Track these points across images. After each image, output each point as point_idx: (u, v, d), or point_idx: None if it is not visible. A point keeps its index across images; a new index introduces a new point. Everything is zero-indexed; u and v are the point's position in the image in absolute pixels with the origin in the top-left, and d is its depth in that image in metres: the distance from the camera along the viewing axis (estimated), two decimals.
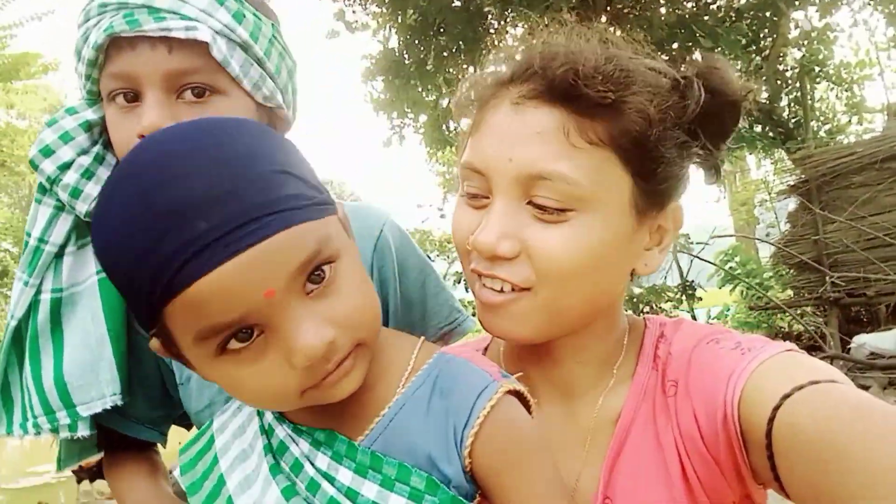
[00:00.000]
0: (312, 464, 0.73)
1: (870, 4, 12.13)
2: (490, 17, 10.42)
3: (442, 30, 10.14)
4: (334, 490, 0.71)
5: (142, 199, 0.61)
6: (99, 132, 1.07)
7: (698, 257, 8.55)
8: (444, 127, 10.89)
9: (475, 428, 0.71)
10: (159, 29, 0.94)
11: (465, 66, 10.34)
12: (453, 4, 10.01)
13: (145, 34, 0.94)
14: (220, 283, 0.60)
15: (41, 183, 1.07)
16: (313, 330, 0.65)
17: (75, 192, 1.04)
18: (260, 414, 0.80)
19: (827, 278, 7.76)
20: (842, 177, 8.03)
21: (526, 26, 0.92)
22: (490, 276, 0.85)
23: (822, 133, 12.60)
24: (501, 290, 0.85)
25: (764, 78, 11.12)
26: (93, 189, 1.05)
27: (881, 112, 13.40)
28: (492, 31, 10.29)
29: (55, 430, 1.10)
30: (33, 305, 1.09)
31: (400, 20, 10.31)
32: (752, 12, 10.37)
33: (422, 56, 10.34)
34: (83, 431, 1.10)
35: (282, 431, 0.77)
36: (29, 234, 1.08)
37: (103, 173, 1.06)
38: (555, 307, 0.85)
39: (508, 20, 10.38)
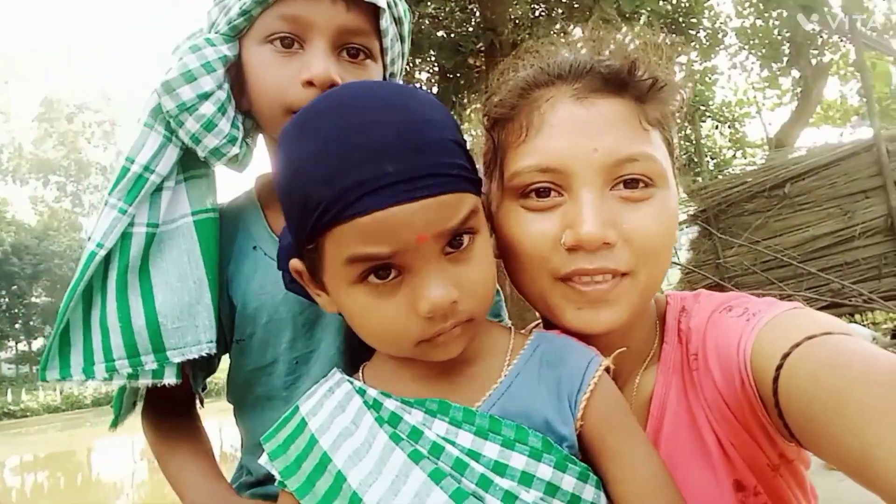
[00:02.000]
0: (431, 429, 0.77)
1: (744, 48, 13.27)
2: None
3: None
4: (458, 451, 0.75)
5: (342, 133, 0.72)
6: (226, 71, 1.02)
7: None
8: None
9: (587, 393, 0.78)
10: None
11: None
12: None
13: None
14: (389, 219, 0.69)
15: (157, 107, 1.00)
16: (443, 287, 0.73)
17: (209, 125, 0.99)
18: (361, 391, 0.83)
19: None
20: (735, 205, 8.62)
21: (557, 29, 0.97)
22: (597, 270, 0.85)
23: (710, 167, 13.51)
24: (604, 282, 0.86)
25: None
26: (224, 126, 1.01)
27: (762, 147, 14.57)
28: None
29: (134, 376, 1.02)
30: (124, 238, 1.01)
31: None
32: None
33: None
34: (170, 378, 1.02)
35: (391, 404, 0.80)
36: (131, 160, 1.00)
37: (231, 112, 1.03)
38: (650, 285, 0.89)
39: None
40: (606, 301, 0.86)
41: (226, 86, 1.03)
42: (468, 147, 0.81)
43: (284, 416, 0.85)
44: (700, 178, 10.61)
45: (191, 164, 1.07)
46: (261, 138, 1.15)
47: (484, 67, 9.23)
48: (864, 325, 7.47)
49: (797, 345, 0.74)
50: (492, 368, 0.83)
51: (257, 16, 0.99)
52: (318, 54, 0.97)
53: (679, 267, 9.49)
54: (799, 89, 13.88)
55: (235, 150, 1.04)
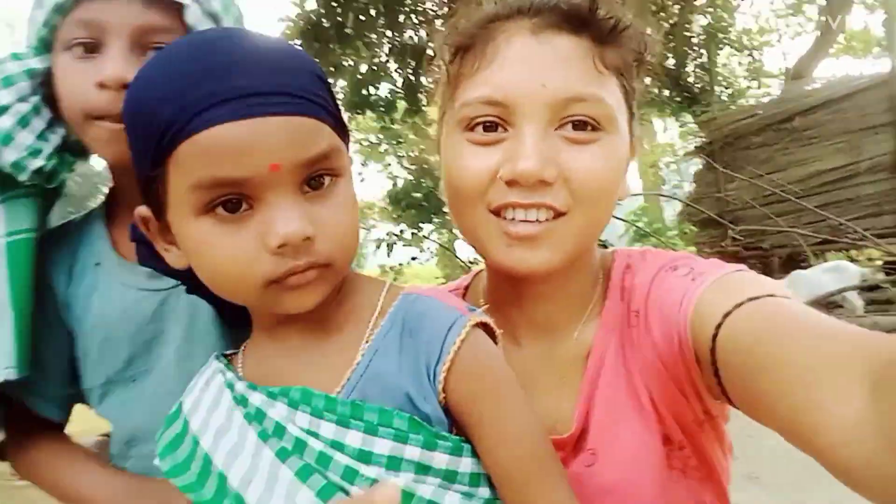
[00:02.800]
0: (294, 423, 0.73)
1: None
2: None
3: None
4: (321, 444, 0.71)
5: (192, 52, 0.69)
6: (39, 83, 1.01)
7: (613, 216, 8.88)
8: (364, 91, 10.76)
9: (447, 364, 0.72)
10: None
11: (384, 31, 10.24)
12: None
13: None
14: (237, 136, 0.64)
15: None
16: (297, 220, 0.67)
17: (6, 139, 0.98)
18: (230, 386, 0.79)
19: (729, 232, 8.27)
20: (743, 138, 8.54)
21: None
22: (531, 204, 0.84)
23: (724, 97, 13.20)
24: (537, 221, 0.85)
25: (672, 44, 11.54)
26: (25, 138, 0.99)
27: (778, 77, 14.18)
28: None
29: None
30: None
31: None
32: None
33: (340, 19, 10.15)
34: None
35: (256, 398, 0.75)
36: None
37: (38, 124, 1.01)
38: (587, 230, 0.88)
39: None
40: (538, 239, 0.84)
41: (33, 99, 1.01)
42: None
43: (170, 415, 0.83)
44: (710, 109, 10.45)
45: (8, 185, 1.04)
46: None
47: None
48: (857, 262, 7.50)
49: (739, 305, 0.74)
50: (351, 342, 0.77)
51: (59, 25, 0.98)
52: (113, 56, 0.95)
53: (679, 200, 9.48)
54: (823, 18, 13.40)
55: (39, 162, 1.01)
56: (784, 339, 0.67)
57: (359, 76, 10.77)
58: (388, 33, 10.47)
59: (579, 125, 0.84)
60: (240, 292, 0.74)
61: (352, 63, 10.89)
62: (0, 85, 0.98)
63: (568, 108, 0.84)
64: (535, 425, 0.76)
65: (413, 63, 10.18)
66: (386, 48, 10.71)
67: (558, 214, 0.84)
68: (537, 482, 0.74)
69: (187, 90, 0.65)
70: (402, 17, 9.86)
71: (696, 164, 9.36)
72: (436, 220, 13.93)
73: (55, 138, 1.03)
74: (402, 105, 10.88)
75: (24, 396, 1.08)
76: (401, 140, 16.10)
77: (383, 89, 11.25)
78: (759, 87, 14.12)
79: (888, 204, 7.72)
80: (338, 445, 0.70)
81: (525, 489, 0.74)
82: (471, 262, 10.68)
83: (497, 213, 0.86)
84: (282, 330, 0.79)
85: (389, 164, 18.08)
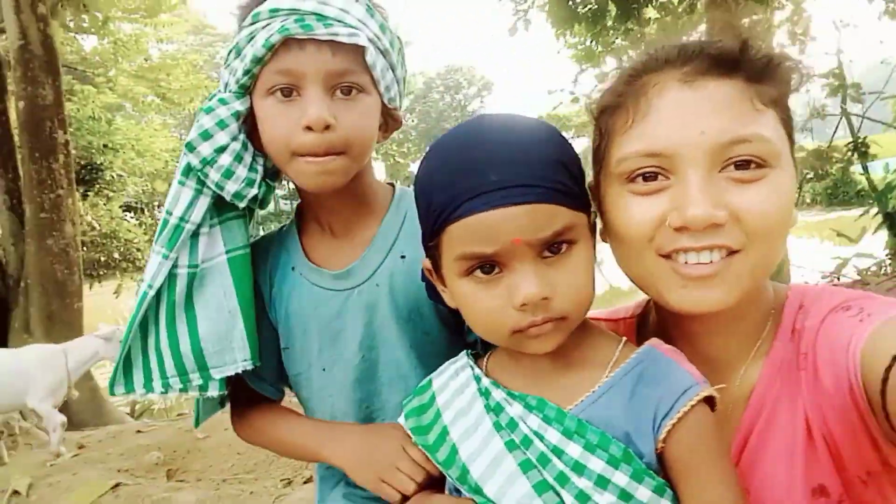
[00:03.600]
0: (525, 423, 0.88)
1: None
2: None
3: None
4: (544, 447, 0.85)
5: (462, 149, 0.87)
6: (242, 122, 1.18)
7: (868, 117, 7.64)
8: (570, 3, 10.25)
9: (674, 420, 0.82)
10: (328, 34, 1.08)
11: None
12: None
13: (315, 37, 1.08)
14: (486, 221, 0.82)
15: (186, 165, 1.18)
16: (536, 283, 0.83)
17: (228, 173, 1.16)
18: (477, 379, 0.96)
19: None
20: None
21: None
22: (704, 247, 0.84)
23: None
24: (710, 262, 0.85)
25: None
26: (241, 172, 1.18)
27: None
28: None
29: (184, 390, 1.25)
30: (170, 278, 1.21)
31: None
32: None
33: None
34: (213, 392, 1.26)
35: (498, 394, 0.92)
36: (170, 213, 1.19)
37: (248, 159, 1.19)
38: (762, 265, 0.87)
39: None
40: (713, 278, 0.85)
41: (241, 136, 1.18)
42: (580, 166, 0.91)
43: (421, 386, 1.03)
44: None
45: (224, 209, 1.24)
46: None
47: None
48: None
49: None
50: (591, 376, 0.90)
51: (258, 73, 1.12)
52: (314, 100, 1.09)
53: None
54: None
55: (254, 191, 1.20)
56: None
57: None
58: None
59: (743, 165, 0.84)
60: (493, 336, 0.91)
61: None
62: (217, 128, 1.16)
63: (729, 151, 0.83)
64: (735, 491, 0.83)
65: None
66: None
67: (732, 252, 0.84)
68: None
69: (454, 184, 0.84)
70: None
71: None
72: None
73: (261, 169, 1.22)
74: (613, 12, 10.18)
75: (250, 381, 1.32)
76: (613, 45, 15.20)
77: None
78: None
79: None
80: (558, 452, 0.83)
81: None
82: None
83: (667, 256, 0.88)
84: (526, 356, 0.93)
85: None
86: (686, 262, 0.86)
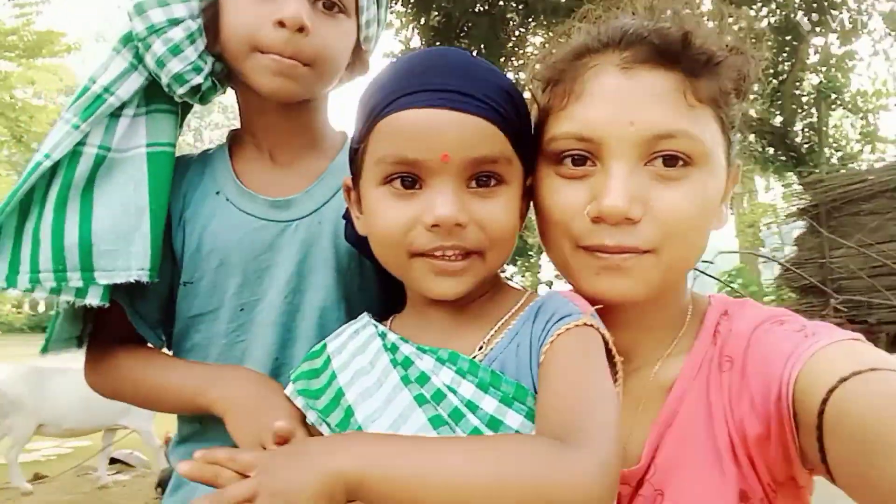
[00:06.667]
0: (437, 377, 0.82)
1: (890, 35, 12.17)
2: (512, 22, 10.48)
3: (465, 32, 10.20)
4: (457, 400, 0.79)
5: (408, 60, 0.85)
6: (202, 10, 1.07)
7: (704, 273, 8.55)
8: None
9: (547, 345, 0.79)
10: None
11: None
12: (477, 8, 10.07)
13: None
14: (421, 121, 0.78)
15: (127, 34, 1.04)
16: (453, 204, 0.79)
17: (175, 49, 1.03)
18: (382, 335, 0.90)
19: (831, 301, 7.79)
20: (852, 203, 8.05)
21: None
22: (617, 248, 0.84)
23: (833, 160, 12.61)
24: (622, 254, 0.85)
25: (780, 102, 11.16)
26: (190, 53, 1.05)
27: (894, 143, 13.42)
28: (514, 36, 10.33)
29: (56, 291, 1.02)
30: (73, 155, 1.03)
31: (423, 21, 10.36)
32: (772, 35, 10.40)
33: None
34: (92, 299, 1.03)
35: (407, 349, 0.86)
36: (93, 81, 1.04)
37: (200, 45, 1.07)
38: (674, 266, 0.87)
39: (531, 27, 10.44)
40: (628, 272, 0.85)
41: (199, 20, 1.07)
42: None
43: (313, 351, 0.95)
44: (818, 170, 9.95)
45: (155, 98, 1.10)
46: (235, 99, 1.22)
47: None
48: None
49: (858, 373, 0.70)
50: (500, 326, 0.87)
51: None
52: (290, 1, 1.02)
53: (779, 263, 9.02)
54: None
55: (199, 79, 1.07)
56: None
57: None
58: None
59: (670, 160, 0.84)
60: (391, 258, 0.86)
61: None
62: None
63: (657, 145, 0.83)
64: (587, 390, 0.75)
65: None
66: None
67: (645, 252, 0.85)
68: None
69: (394, 82, 0.82)
70: (502, 59, 9.95)
71: (799, 228, 8.89)
72: (519, 261, 13.81)
73: (210, 63, 1.10)
74: None
75: (131, 317, 1.13)
76: None
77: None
78: (872, 153, 13.39)
79: None
80: (472, 406, 0.78)
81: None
82: None
83: (585, 248, 0.87)
84: (432, 310, 0.90)
85: None
86: (602, 254, 0.86)
